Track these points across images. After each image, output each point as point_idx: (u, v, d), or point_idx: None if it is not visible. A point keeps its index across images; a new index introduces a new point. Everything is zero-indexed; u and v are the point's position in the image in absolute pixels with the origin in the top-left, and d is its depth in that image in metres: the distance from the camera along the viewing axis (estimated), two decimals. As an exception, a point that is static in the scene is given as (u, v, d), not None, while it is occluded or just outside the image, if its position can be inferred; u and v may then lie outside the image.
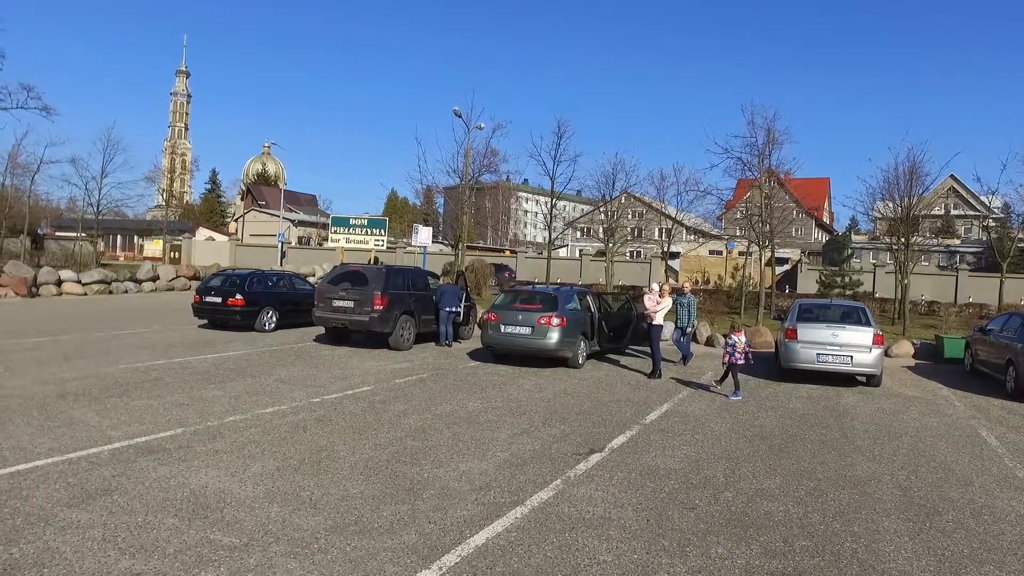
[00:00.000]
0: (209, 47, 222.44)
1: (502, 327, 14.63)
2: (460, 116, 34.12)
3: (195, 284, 33.00)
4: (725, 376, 12.58)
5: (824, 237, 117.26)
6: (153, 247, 64.65)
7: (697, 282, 52.42)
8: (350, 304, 16.04)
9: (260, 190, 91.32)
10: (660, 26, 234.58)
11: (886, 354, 19.03)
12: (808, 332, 13.83)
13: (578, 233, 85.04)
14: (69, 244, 44.55)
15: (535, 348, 14.37)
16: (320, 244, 62.65)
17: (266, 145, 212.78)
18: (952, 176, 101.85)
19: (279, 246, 53.25)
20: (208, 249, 57.13)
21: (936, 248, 53.82)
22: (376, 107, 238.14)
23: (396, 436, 8.54)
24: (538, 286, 16.64)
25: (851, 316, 14.45)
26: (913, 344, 19.32)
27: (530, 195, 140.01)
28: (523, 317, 14.50)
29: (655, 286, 14.77)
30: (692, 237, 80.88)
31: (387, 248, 62.80)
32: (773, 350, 17.70)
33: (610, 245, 34.38)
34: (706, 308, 28.49)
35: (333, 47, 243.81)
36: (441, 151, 56.20)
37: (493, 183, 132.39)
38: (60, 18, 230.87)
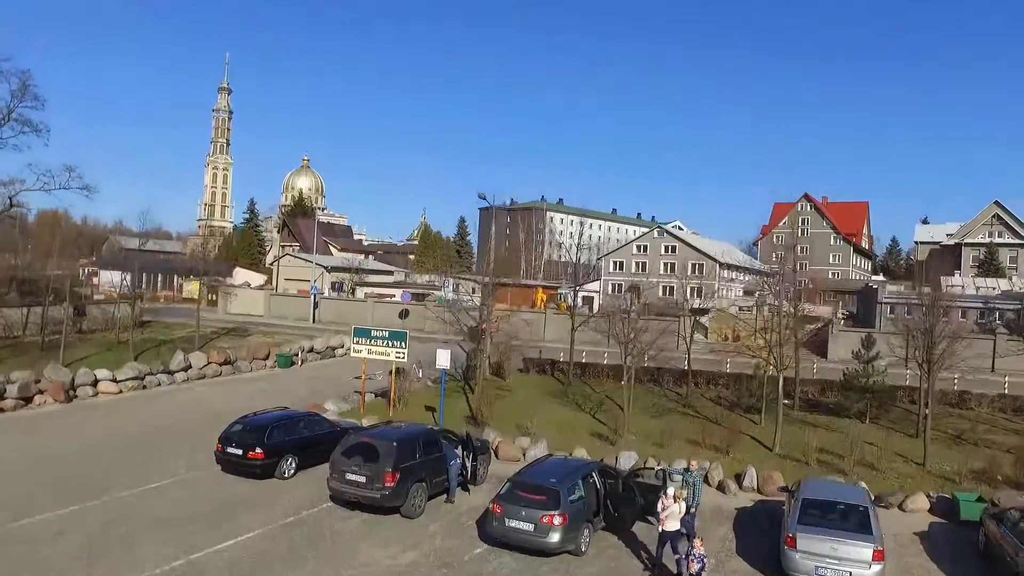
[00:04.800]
0: (250, 65, 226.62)
1: (506, 520, 14.95)
2: (484, 198, 34.78)
3: (225, 370, 34.15)
4: None
5: (863, 263, 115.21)
6: (191, 289, 66.49)
7: (727, 338, 52.18)
8: (362, 479, 16.54)
9: (297, 225, 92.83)
10: (687, 36, 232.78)
11: (900, 508, 19.02)
12: (807, 542, 13.87)
13: (611, 266, 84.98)
14: (109, 307, 46.27)
15: (538, 546, 14.68)
16: (352, 291, 63.86)
17: (305, 158, 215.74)
18: (996, 203, 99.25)
19: (312, 298, 54.47)
20: (244, 299, 58.57)
21: (973, 304, 52.62)
22: (412, 125, 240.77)
23: None
24: (541, 472, 16.50)
25: (853, 519, 14.40)
26: (929, 498, 19.13)
27: (564, 215, 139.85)
28: (526, 513, 14.79)
29: (671, 490, 14.86)
30: (725, 274, 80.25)
31: (414, 298, 63.64)
32: (785, 503, 17.69)
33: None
34: (720, 415, 27.71)
35: (368, 59, 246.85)
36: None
37: (527, 205, 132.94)
38: (106, 46, 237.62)
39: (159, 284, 74.55)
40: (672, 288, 78.92)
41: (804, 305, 46.97)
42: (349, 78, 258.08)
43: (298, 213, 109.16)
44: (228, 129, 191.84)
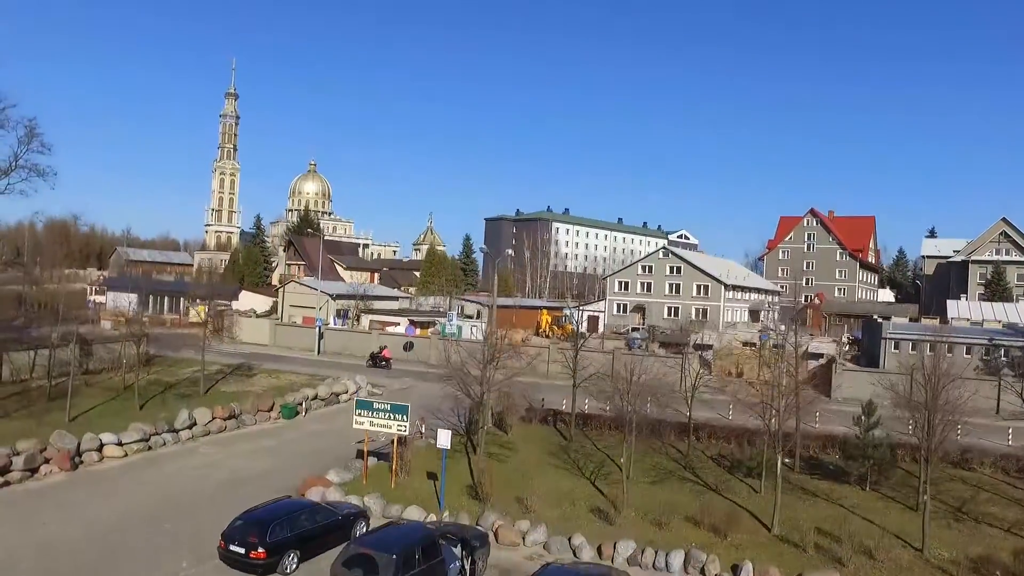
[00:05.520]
0: (256, 70, 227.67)
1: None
2: (486, 252, 34.96)
3: (230, 424, 34.38)
4: None
5: (869, 277, 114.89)
6: (197, 314, 66.95)
7: (731, 374, 52.28)
8: (362, 593, 16.74)
9: (303, 243, 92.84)
10: (689, 37, 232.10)
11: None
12: None
13: (616, 286, 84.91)
14: (115, 346, 46.58)
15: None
16: (357, 319, 64.21)
17: (312, 162, 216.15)
18: (1004, 219, 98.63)
19: (317, 329, 54.81)
20: (249, 327, 58.99)
21: (978, 341, 52.34)
22: (416, 126, 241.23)
23: None
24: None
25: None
26: (926, 599, 19.22)
27: (570, 225, 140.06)
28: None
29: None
30: (730, 295, 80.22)
31: (418, 327, 63.83)
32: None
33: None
34: (721, 481, 28.13)
35: (371, 62, 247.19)
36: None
37: (532, 216, 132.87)
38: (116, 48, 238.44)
39: (166, 306, 74.99)
40: (677, 309, 79.05)
41: (805, 338, 46.81)
42: (353, 80, 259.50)
43: (304, 227, 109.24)
44: (235, 134, 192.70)
